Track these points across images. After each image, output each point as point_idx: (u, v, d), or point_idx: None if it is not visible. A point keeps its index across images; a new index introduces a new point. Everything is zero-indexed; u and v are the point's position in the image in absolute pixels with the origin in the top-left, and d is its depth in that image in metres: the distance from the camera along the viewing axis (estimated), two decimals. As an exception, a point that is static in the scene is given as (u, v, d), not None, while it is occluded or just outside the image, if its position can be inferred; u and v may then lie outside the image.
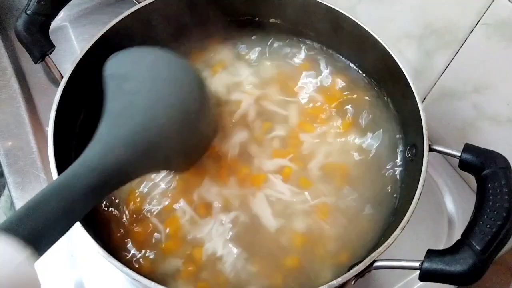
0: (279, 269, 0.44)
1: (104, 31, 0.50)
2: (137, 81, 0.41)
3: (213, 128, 0.49)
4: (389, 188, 0.50)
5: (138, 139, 0.38)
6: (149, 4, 0.53)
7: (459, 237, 0.38)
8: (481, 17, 0.51)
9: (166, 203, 0.47)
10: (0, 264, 0.27)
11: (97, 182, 0.34)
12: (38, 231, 0.30)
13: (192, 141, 0.44)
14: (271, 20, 0.60)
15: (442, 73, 0.60)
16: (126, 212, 0.47)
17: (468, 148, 0.43)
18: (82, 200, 0.34)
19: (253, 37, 0.60)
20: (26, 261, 0.29)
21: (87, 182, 0.34)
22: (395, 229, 0.40)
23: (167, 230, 0.46)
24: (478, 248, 0.36)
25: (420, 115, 0.45)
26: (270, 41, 0.60)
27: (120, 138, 0.37)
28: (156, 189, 0.48)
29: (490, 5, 0.49)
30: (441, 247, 0.54)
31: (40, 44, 0.47)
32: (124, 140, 0.37)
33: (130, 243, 0.45)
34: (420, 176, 0.42)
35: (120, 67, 0.43)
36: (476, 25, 0.52)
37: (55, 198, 0.32)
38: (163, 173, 0.48)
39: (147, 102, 0.40)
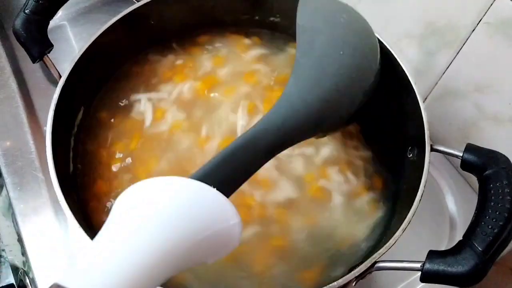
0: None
1: (103, 30, 0.50)
2: (329, 41, 0.41)
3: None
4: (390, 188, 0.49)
5: (319, 107, 0.39)
6: (147, 3, 0.53)
7: (461, 238, 0.38)
8: (483, 16, 0.50)
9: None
10: (223, 219, 0.28)
11: (277, 141, 0.36)
12: (227, 182, 0.32)
13: (351, 116, 0.43)
14: (271, 19, 0.60)
15: (444, 73, 0.59)
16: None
17: (470, 148, 0.42)
18: (264, 155, 0.35)
19: (252, 37, 0.60)
20: (238, 225, 0.29)
21: (270, 139, 0.35)
22: (397, 230, 0.39)
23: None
24: (480, 249, 0.36)
25: (421, 115, 0.45)
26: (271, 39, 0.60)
27: (305, 103, 0.38)
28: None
29: (492, 4, 0.49)
30: (442, 248, 0.53)
31: (38, 43, 0.47)
32: (308, 106, 0.38)
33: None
34: (421, 176, 0.42)
35: (314, 19, 0.43)
36: (477, 24, 0.52)
37: (242, 153, 0.34)
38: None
39: (335, 70, 0.40)
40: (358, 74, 0.42)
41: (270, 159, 0.36)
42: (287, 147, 0.38)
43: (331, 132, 0.47)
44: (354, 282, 0.40)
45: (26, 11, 0.46)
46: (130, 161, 0.48)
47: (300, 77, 0.40)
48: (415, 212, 0.40)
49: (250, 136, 0.35)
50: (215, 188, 0.28)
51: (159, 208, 0.26)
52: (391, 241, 0.39)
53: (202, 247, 0.27)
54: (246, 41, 0.59)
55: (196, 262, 0.28)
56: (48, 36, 0.48)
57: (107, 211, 0.46)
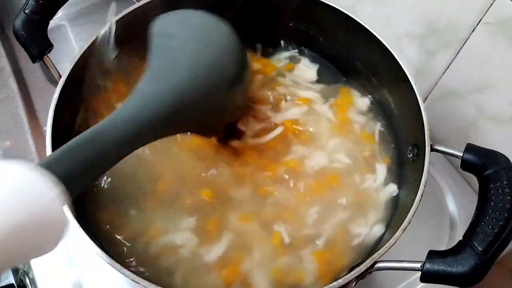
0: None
1: (103, 30, 0.50)
2: (181, 40, 0.42)
3: (244, 98, 0.49)
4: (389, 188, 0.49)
5: (175, 97, 0.38)
6: (147, 3, 0.53)
7: (461, 238, 0.38)
8: (483, 16, 0.50)
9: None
10: (34, 196, 0.27)
11: (130, 133, 0.35)
12: (71, 171, 0.31)
13: (224, 106, 0.45)
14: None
15: (444, 73, 0.59)
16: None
17: (470, 148, 0.42)
18: (115, 148, 0.35)
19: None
20: (57, 198, 0.29)
21: (121, 132, 0.35)
22: (397, 230, 0.39)
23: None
24: (480, 249, 0.36)
25: (421, 115, 0.45)
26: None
27: (157, 94, 0.38)
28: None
29: (491, 4, 0.49)
30: (442, 248, 0.53)
31: (38, 43, 0.47)
32: (161, 96, 0.38)
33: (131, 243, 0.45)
34: (421, 176, 0.42)
35: (166, 26, 0.44)
36: (477, 24, 0.52)
37: (90, 144, 0.33)
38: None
39: (188, 61, 0.41)
40: (215, 64, 0.42)
41: (128, 151, 0.36)
42: (149, 141, 0.38)
43: (209, 131, 0.47)
44: (354, 282, 0.40)
45: (26, 11, 0.46)
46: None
47: (151, 74, 0.40)
48: (415, 212, 0.40)
49: (97, 129, 0.35)
50: (60, 179, 0.29)
51: None
52: (391, 241, 0.39)
53: (29, 229, 0.26)
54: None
55: (31, 248, 0.28)
56: (48, 36, 0.48)
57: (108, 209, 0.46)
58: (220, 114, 0.45)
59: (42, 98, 0.69)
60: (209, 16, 0.45)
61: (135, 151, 0.38)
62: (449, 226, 0.60)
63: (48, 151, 0.42)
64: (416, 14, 0.59)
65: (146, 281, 0.36)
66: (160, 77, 0.39)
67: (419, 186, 0.42)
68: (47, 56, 0.48)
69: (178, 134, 0.48)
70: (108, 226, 0.45)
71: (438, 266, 0.36)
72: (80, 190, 0.33)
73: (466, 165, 0.42)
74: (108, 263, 0.37)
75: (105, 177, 0.47)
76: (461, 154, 0.42)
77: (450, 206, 0.62)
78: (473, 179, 0.42)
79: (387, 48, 0.49)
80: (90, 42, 0.49)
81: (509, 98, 0.52)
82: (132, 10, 0.52)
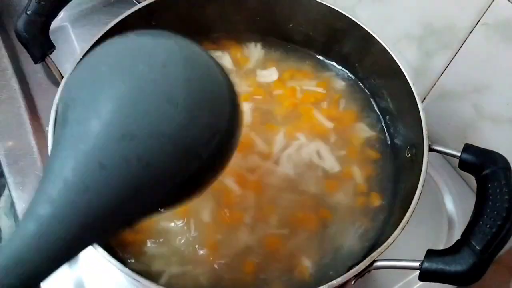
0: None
1: (105, 31, 0.50)
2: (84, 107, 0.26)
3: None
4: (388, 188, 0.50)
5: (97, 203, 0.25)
6: (149, 4, 0.53)
7: (459, 237, 0.38)
8: (481, 17, 0.51)
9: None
10: None
11: (23, 278, 0.24)
12: None
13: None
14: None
15: (442, 73, 0.60)
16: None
17: (468, 148, 0.43)
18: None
19: (254, 42, 0.60)
20: None
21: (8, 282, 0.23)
22: (395, 229, 0.40)
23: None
24: (478, 248, 0.36)
25: (420, 115, 0.45)
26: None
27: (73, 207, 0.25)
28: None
29: (490, 5, 0.49)
30: (441, 247, 0.53)
31: (40, 44, 0.47)
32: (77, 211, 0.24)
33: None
34: (420, 176, 0.42)
35: (73, 88, 0.28)
36: (476, 25, 0.52)
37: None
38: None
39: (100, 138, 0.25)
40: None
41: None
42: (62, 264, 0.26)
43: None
44: (353, 281, 0.40)
45: (28, 12, 0.46)
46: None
47: (53, 173, 0.26)
48: (413, 211, 0.41)
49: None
50: None
51: None
52: (390, 240, 0.39)
53: None
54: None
55: None
56: (50, 37, 0.48)
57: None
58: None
59: (44, 98, 0.70)
60: (180, 47, 0.29)
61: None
62: (448, 226, 0.60)
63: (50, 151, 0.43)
64: (414, 15, 0.59)
65: (148, 280, 0.36)
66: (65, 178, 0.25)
67: (418, 185, 0.42)
68: (49, 57, 0.48)
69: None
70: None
71: (436, 265, 0.36)
72: None
73: (464, 165, 0.43)
74: (110, 262, 0.37)
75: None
76: (459, 154, 0.43)
77: (448, 205, 0.62)
78: (471, 179, 0.43)
79: (386, 49, 0.50)
80: (92, 43, 0.49)
81: (507, 98, 0.53)
82: (133, 12, 0.52)
